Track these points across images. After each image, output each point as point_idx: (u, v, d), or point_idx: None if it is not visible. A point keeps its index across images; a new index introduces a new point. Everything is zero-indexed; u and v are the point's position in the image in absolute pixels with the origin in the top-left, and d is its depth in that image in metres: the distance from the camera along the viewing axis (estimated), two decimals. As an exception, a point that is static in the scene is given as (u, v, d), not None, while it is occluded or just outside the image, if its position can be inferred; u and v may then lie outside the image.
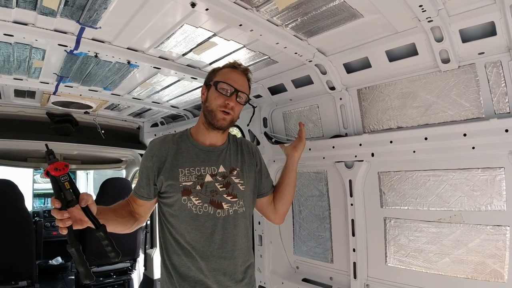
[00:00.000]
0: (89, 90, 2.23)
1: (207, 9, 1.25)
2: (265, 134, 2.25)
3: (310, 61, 1.68)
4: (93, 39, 1.53)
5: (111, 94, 2.34)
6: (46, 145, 1.06)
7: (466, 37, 1.32)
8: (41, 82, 2.05)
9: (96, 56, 1.64)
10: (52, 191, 1.03)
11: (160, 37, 1.53)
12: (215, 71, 1.44)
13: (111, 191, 3.45)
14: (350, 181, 1.84)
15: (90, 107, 2.68)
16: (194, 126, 1.47)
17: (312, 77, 1.84)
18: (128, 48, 1.64)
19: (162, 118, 3.12)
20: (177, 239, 1.32)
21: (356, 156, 1.80)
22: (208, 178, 1.34)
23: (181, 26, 1.42)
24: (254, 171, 1.49)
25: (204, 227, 1.30)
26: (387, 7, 1.25)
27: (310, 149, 1.96)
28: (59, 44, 1.50)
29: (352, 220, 1.83)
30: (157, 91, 2.29)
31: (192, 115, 2.81)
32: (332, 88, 1.82)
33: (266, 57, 1.72)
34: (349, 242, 1.85)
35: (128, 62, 1.74)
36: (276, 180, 1.66)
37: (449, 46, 1.34)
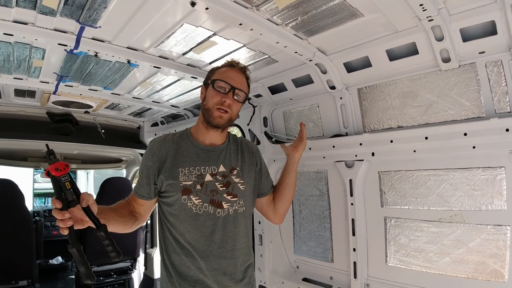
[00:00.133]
0: (89, 89, 2.23)
1: (207, 8, 1.25)
2: (266, 133, 2.25)
3: (311, 60, 1.68)
4: (93, 39, 1.53)
5: (111, 93, 2.34)
6: (47, 145, 1.06)
7: (466, 36, 1.32)
8: (41, 82, 2.05)
9: (96, 55, 1.64)
10: (52, 190, 1.03)
11: (160, 36, 1.53)
12: (213, 70, 1.44)
13: (111, 191, 3.45)
14: (350, 180, 1.84)
15: (90, 106, 2.67)
16: (194, 126, 1.47)
17: (312, 77, 1.84)
18: (128, 48, 1.64)
19: (162, 117, 3.12)
20: (177, 238, 1.32)
21: (356, 156, 1.80)
22: (208, 178, 1.34)
23: (181, 25, 1.42)
24: (254, 170, 1.49)
25: (204, 226, 1.30)
26: (387, 6, 1.25)
27: (310, 149, 1.96)
28: (59, 44, 1.50)
29: (353, 220, 1.83)
30: (157, 90, 2.29)
31: (192, 114, 2.81)
32: (333, 88, 1.81)
33: (266, 56, 1.72)
34: (350, 242, 1.84)
35: (128, 62, 1.73)
36: (276, 180, 1.66)
37: (449, 45, 1.34)
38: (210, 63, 1.82)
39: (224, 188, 1.35)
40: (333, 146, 1.89)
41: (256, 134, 2.32)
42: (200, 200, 1.31)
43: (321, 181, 2.04)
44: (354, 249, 1.82)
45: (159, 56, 1.75)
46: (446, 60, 1.41)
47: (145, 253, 3.74)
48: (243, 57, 1.72)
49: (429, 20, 1.25)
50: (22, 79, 1.99)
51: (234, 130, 2.63)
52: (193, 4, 1.21)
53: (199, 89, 1.50)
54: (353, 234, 1.83)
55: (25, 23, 1.36)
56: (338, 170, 1.90)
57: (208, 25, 1.42)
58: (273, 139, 2.21)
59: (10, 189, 2.89)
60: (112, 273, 3.52)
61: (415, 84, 1.59)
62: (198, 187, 1.32)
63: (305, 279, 2.09)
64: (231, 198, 1.35)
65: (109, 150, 3.51)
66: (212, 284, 1.30)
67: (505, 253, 1.36)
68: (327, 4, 1.25)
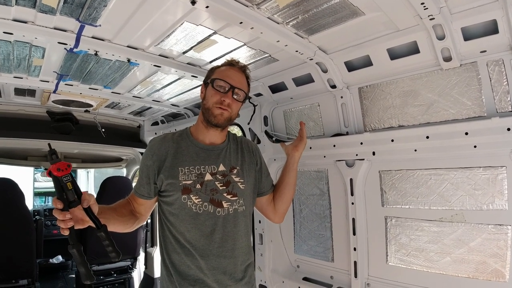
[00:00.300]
0: (89, 88, 2.23)
1: (207, 7, 1.24)
2: (266, 132, 2.25)
3: (311, 59, 1.67)
4: (93, 37, 1.52)
5: (112, 92, 2.34)
6: (49, 144, 1.06)
7: (468, 35, 1.31)
8: (41, 81, 2.04)
9: (96, 54, 1.64)
10: (53, 189, 1.03)
11: (160, 35, 1.53)
12: (213, 69, 1.44)
13: (111, 190, 3.45)
14: (351, 179, 1.83)
15: (91, 105, 2.67)
16: (194, 125, 1.47)
17: (313, 75, 1.83)
18: (128, 46, 1.64)
19: (162, 116, 3.12)
20: (177, 237, 1.32)
21: (357, 155, 1.80)
22: (208, 177, 1.34)
23: (181, 24, 1.42)
24: (254, 170, 1.49)
25: (204, 225, 1.30)
26: (388, 5, 1.25)
27: (311, 148, 1.96)
28: (59, 42, 1.50)
29: (353, 219, 1.83)
30: (158, 89, 2.28)
31: (192, 113, 2.81)
32: (333, 87, 1.81)
33: (266, 55, 1.71)
34: (350, 241, 1.84)
35: (128, 60, 1.73)
36: (276, 179, 1.65)
37: (451, 44, 1.33)
38: (211, 61, 1.82)
39: (224, 187, 1.35)
40: (334, 145, 1.89)
41: (257, 133, 2.32)
42: (200, 200, 1.30)
43: (321, 180, 2.04)
44: (354, 249, 1.82)
45: (159, 55, 1.75)
46: (447, 59, 1.40)
47: (145, 252, 3.75)
48: (243, 55, 1.71)
49: (431, 19, 1.24)
50: (22, 78, 1.99)
51: (235, 129, 2.63)
52: (193, 2, 1.21)
53: (199, 88, 1.49)
54: (354, 234, 1.82)
55: (25, 22, 1.36)
56: (338, 169, 1.90)
57: (208, 23, 1.42)
58: (274, 138, 2.21)
59: (10, 188, 2.89)
60: (113, 272, 3.53)
61: (416, 83, 1.58)
62: (198, 186, 1.31)
63: (305, 279, 2.09)
64: (231, 197, 1.35)
65: (109, 149, 3.51)
66: (212, 283, 1.30)
67: (506, 253, 1.36)
68: (328, 3, 1.25)
